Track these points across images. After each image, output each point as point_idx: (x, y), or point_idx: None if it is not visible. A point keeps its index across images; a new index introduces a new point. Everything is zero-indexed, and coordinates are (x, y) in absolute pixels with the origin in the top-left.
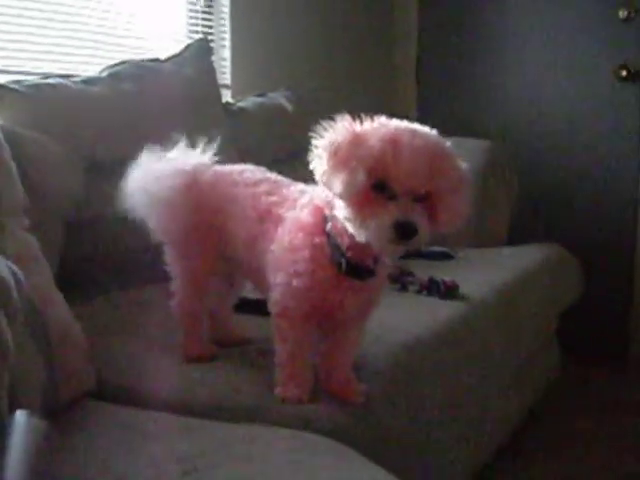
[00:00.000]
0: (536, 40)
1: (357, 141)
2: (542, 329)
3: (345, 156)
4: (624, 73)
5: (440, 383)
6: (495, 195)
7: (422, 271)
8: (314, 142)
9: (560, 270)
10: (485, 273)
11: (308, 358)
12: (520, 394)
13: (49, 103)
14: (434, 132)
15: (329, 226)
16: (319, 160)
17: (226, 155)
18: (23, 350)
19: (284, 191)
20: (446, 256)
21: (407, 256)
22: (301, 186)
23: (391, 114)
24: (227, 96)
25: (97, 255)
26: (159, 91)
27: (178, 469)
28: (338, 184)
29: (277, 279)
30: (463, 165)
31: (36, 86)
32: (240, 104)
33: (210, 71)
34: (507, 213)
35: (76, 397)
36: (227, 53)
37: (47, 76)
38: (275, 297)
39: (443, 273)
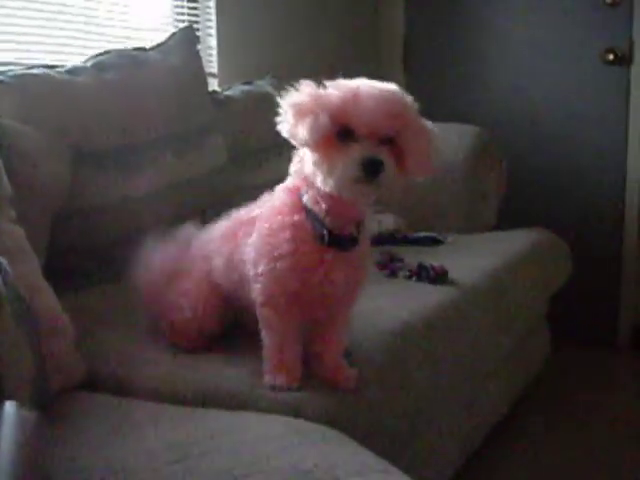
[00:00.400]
0: (523, 25)
1: (319, 95)
2: (532, 313)
3: (308, 107)
4: (611, 57)
5: (430, 368)
6: (484, 180)
7: (411, 257)
8: (280, 102)
9: (549, 254)
10: (474, 258)
11: (296, 345)
12: (511, 378)
13: (34, 94)
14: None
15: (306, 198)
16: (284, 117)
17: (213, 144)
18: (11, 340)
19: (255, 203)
20: (435, 241)
21: (396, 242)
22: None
23: None
24: (213, 84)
25: (85, 246)
26: (145, 80)
27: (169, 457)
28: (302, 131)
29: (259, 269)
30: (428, 123)
31: (20, 77)
32: (227, 92)
33: (196, 60)
34: (496, 198)
35: (66, 387)
36: (213, 41)
37: (31, 66)
38: (259, 287)
39: (432, 259)
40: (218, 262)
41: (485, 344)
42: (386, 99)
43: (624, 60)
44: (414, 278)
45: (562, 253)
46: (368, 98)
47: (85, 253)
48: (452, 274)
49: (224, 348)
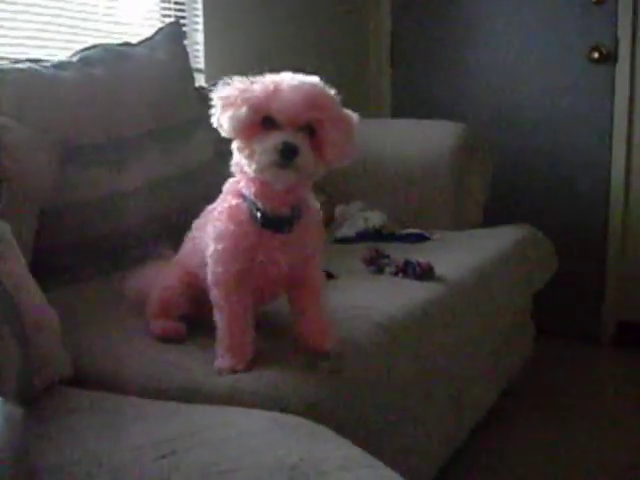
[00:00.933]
0: (510, 23)
1: (245, 89)
2: (517, 309)
3: (232, 99)
4: (596, 55)
5: (416, 363)
6: (470, 177)
7: (398, 253)
8: (212, 95)
9: (534, 251)
10: (460, 254)
11: (246, 327)
12: (495, 374)
13: (20, 88)
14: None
15: (241, 184)
16: (215, 109)
17: (199, 139)
18: None
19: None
20: (422, 238)
21: (383, 239)
22: None
23: (365, 97)
24: (200, 80)
25: (73, 242)
26: (131, 76)
27: (155, 453)
28: (225, 121)
29: (208, 252)
30: (350, 114)
31: (6, 71)
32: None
33: (183, 55)
34: (482, 195)
35: (52, 384)
36: (200, 37)
37: (16, 61)
38: (208, 268)
39: (419, 255)
40: (188, 246)
41: (470, 339)
42: (305, 90)
43: (609, 58)
44: (400, 274)
45: (547, 250)
46: (288, 89)
47: (73, 249)
48: (438, 270)
49: (206, 344)
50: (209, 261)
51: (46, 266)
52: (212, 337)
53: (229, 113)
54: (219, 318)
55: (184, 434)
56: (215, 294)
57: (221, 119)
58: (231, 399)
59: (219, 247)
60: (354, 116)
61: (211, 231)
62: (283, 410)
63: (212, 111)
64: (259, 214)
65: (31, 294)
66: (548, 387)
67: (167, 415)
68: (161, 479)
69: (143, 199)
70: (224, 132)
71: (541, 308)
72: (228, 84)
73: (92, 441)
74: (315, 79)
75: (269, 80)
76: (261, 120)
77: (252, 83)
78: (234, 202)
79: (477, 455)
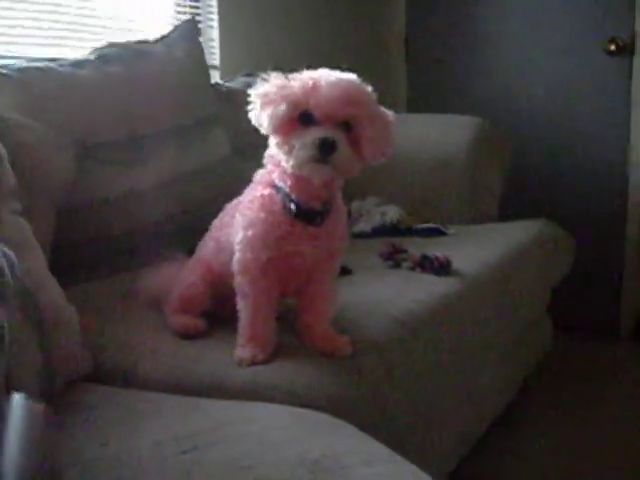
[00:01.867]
0: (525, 15)
1: (283, 85)
2: (535, 304)
3: (271, 96)
4: (613, 47)
5: (434, 357)
6: (487, 171)
7: (415, 248)
8: (250, 92)
9: (552, 245)
10: (478, 249)
11: (269, 318)
12: (513, 368)
13: (37, 87)
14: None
15: (275, 175)
16: (253, 106)
17: (216, 136)
18: (19, 334)
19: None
20: (439, 233)
21: (400, 233)
22: None
23: (380, 92)
24: (215, 77)
25: (91, 239)
26: (148, 73)
27: (176, 448)
28: (265, 118)
29: (237, 239)
30: (387, 111)
31: (24, 70)
32: (229, 84)
33: (198, 52)
34: (499, 189)
35: (73, 380)
36: (215, 33)
37: (34, 59)
38: (236, 256)
39: (436, 249)
40: (210, 245)
41: (488, 334)
42: (343, 87)
43: (626, 50)
44: (418, 269)
45: (565, 244)
46: (326, 85)
47: (90, 246)
48: (456, 265)
49: (226, 339)
50: (237, 248)
51: (63, 264)
52: (232, 332)
53: (268, 111)
54: (243, 307)
55: (205, 429)
56: (240, 281)
57: (260, 117)
58: (252, 394)
59: (249, 234)
60: (390, 114)
61: (241, 220)
62: (304, 405)
63: (250, 108)
64: (293, 205)
65: (51, 292)
66: (566, 382)
67: (187, 410)
68: (182, 474)
69: (160, 196)
70: (263, 129)
71: (559, 302)
72: (265, 80)
73: (112, 437)
74: (352, 76)
75: (307, 76)
76: (299, 116)
77: (289, 80)
78: (266, 192)
79: (494, 450)
